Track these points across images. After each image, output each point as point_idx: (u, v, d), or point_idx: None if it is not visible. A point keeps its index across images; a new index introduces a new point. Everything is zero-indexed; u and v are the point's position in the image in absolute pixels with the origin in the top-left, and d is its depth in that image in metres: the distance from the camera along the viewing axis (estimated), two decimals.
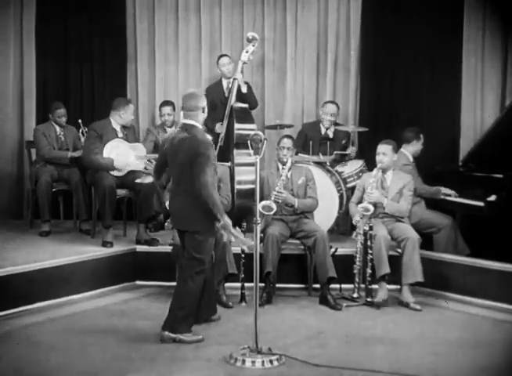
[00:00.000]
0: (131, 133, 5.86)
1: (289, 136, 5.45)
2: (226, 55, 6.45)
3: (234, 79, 6.08)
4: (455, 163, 6.39)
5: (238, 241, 4.24)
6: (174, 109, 6.47)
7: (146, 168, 5.65)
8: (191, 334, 4.13)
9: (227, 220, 4.03)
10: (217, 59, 6.44)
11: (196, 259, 4.10)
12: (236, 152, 5.70)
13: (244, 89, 6.12)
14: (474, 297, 5.08)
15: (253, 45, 6.03)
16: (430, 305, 5.04)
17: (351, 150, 6.22)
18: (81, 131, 6.36)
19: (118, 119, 5.69)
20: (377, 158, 5.21)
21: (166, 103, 6.52)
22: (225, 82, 6.37)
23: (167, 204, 5.19)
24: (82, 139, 6.20)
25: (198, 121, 4.15)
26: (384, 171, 5.23)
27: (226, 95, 6.25)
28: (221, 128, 6.04)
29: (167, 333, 4.10)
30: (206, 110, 4.20)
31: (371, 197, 5.10)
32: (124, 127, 5.75)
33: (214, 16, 6.95)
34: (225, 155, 5.80)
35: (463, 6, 6.66)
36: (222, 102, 6.23)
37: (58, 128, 6.22)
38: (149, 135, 6.47)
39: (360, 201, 5.21)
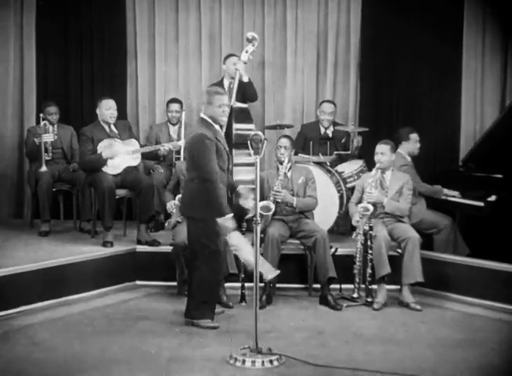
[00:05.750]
0: (122, 129, 5.78)
1: (286, 136, 5.45)
2: (235, 55, 6.29)
3: (236, 70, 6.04)
4: (455, 163, 6.39)
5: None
6: (181, 107, 6.47)
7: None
8: (209, 321, 4.30)
9: (227, 223, 4.25)
10: (225, 57, 6.34)
11: (202, 244, 4.25)
12: (234, 152, 5.70)
13: (246, 78, 6.08)
14: (474, 297, 5.07)
15: (253, 45, 6.01)
16: (430, 305, 5.04)
17: (357, 141, 6.20)
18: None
19: (100, 118, 5.69)
20: (376, 158, 5.21)
21: (175, 100, 6.53)
22: (226, 82, 6.35)
23: (167, 205, 5.21)
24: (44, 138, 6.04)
25: (206, 113, 4.42)
26: (383, 170, 5.24)
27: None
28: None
29: (188, 319, 4.34)
30: (214, 103, 4.41)
31: (371, 196, 5.10)
32: (114, 125, 5.72)
33: (214, 15, 6.95)
34: None
35: (463, 6, 6.68)
36: None
37: (50, 127, 6.16)
38: (151, 132, 6.49)
39: (360, 202, 5.20)
